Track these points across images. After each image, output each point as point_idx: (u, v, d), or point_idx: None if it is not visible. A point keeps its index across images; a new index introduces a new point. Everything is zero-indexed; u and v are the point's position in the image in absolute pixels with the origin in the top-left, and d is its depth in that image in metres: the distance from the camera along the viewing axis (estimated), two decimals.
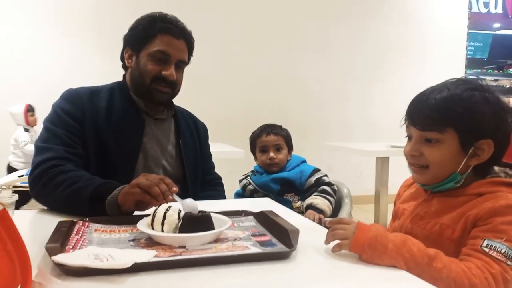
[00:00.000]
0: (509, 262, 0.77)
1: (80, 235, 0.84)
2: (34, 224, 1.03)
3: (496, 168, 0.94)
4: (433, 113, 0.89)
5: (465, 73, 4.89)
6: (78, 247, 0.77)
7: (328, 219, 1.55)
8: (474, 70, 5.22)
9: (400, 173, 1.21)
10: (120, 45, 1.41)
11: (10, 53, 3.66)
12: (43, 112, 1.30)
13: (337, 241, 0.82)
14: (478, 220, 0.84)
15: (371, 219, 3.16)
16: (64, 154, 1.18)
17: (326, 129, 4.53)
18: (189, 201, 0.96)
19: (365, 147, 2.92)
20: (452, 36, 4.90)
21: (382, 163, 2.90)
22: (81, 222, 0.92)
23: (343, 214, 1.68)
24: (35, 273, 0.60)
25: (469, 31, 4.98)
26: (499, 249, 0.78)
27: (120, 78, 1.43)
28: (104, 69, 2.94)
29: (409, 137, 0.96)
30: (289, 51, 4.40)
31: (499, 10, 5.32)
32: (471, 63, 5.03)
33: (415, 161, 0.94)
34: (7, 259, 0.55)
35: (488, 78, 5.61)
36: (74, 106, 1.27)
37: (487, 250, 0.78)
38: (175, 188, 1.00)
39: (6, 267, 0.54)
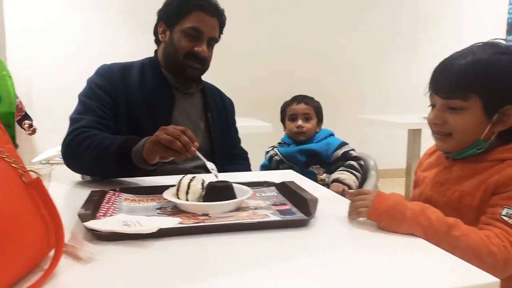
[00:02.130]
0: None
1: (110, 203, 0.89)
2: (68, 194, 1.10)
3: None
4: (457, 80, 0.87)
5: (506, 39, 4.62)
6: (109, 215, 0.82)
7: (350, 191, 1.56)
8: None
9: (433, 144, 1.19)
10: (150, 23, 1.45)
11: (44, 34, 3.77)
12: (79, 89, 1.37)
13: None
14: (499, 187, 0.82)
15: (402, 191, 3.12)
16: (93, 124, 1.24)
17: (361, 102, 4.43)
18: (211, 164, 1.00)
19: (397, 120, 2.86)
20: (492, 1, 4.63)
21: (414, 135, 2.84)
22: (112, 192, 0.97)
23: (368, 186, 1.68)
24: (68, 237, 0.66)
25: None
26: None
27: (150, 55, 1.47)
28: (135, 46, 3.00)
29: (433, 106, 0.94)
30: (320, 22, 4.29)
31: None
32: None
33: (439, 129, 0.93)
34: (42, 222, 0.59)
35: None
36: (107, 81, 1.33)
37: (506, 218, 0.77)
38: (196, 143, 1.02)
39: (40, 230, 0.59)
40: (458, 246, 0.74)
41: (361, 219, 0.83)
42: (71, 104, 1.33)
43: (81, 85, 1.36)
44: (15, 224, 0.54)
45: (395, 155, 3.98)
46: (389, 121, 2.89)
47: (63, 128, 1.27)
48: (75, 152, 1.20)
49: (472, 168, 0.90)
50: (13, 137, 0.84)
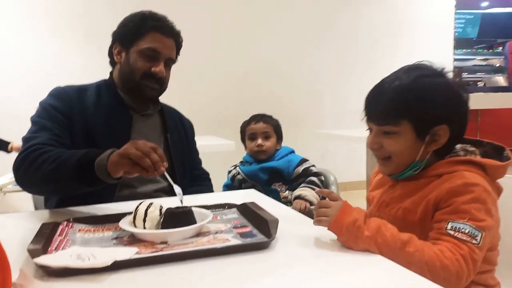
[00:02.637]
0: (474, 241, 0.79)
1: (63, 236, 0.85)
2: (18, 227, 1.03)
3: (457, 145, 0.95)
4: (386, 107, 0.90)
5: (454, 54, 4.89)
6: (61, 248, 0.78)
7: (312, 207, 1.58)
8: (464, 50, 5.21)
9: None
10: (104, 44, 1.43)
11: None
12: (29, 111, 1.31)
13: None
14: (439, 202, 0.85)
15: (363, 203, 3.19)
16: (49, 141, 1.19)
17: (321, 118, 4.53)
18: (178, 187, 0.97)
19: (355, 133, 2.93)
20: (440, 18, 4.89)
21: None
22: (65, 222, 0.93)
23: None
24: (16, 275, 0.62)
25: (457, 10, 4.97)
26: (463, 230, 0.80)
27: (104, 77, 1.45)
28: (89, 68, 2.93)
29: (370, 130, 0.97)
30: (280, 42, 4.38)
31: None
32: (460, 43, 5.02)
33: (377, 153, 0.96)
34: None
35: (478, 57, 5.62)
36: (62, 103, 1.30)
37: (452, 232, 0.80)
38: (166, 163, 0.99)
39: None
40: (412, 261, 0.76)
41: (322, 237, 0.84)
42: (25, 128, 1.28)
43: (35, 108, 1.32)
44: None
45: (356, 168, 4.07)
46: (348, 135, 2.96)
47: (14, 154, 1.21)
48: (29, 167, 1.12)
49: (412, 186, 0.93)
50: None
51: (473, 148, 0.95)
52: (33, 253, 0.71)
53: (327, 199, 0.90)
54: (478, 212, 0.82)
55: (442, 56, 4.70)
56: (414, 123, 0.89)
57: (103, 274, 0.68)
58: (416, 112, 0.88)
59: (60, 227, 0.90)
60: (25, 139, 1.22)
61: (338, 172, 2.00)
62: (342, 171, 3.56)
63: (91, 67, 2.65)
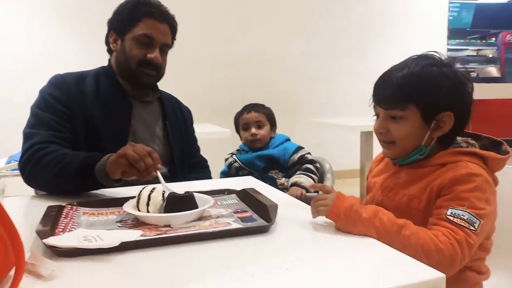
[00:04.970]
0: (471, 228, 0.82)
1: (69, 218, 0.88)
2: (24, 210, 1.06)
3: (458, 138, 0.99)
4: (395, 92, 0.93)
5: (447, 43, 4.91)
6: (68, 230, 0.81)
7: (310, 194, 1.61)
8: (457, 40, 5.22)
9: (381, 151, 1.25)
10: (98, 31, 1.43)
11: None
12: (27, 99, 1.32)
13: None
14: (442, 190, 0.89)
15: (357, 191, 3.23)
16: (50, 138, 1.21)
17: (316, 106, 4.53)
18: (171, 186, 1.00)
19: (349, 123, 2.96)
20: (434, 7, 4.90)
21: (366, 137, 2.95)
22: (70, 206, 0.95)
23: None
24: (28, 255, 0.64)
25: (451, 1, 4.98)
26: (462, 216, 0.83)
27: (97, 65, 1.46)
28: (82, 55, 2.89)
29: (377, 115, 1.00)
30: (272, 29, 4.36)
31: None
32: (453, 33, 5.05)
33: (383, 137, 0.99)
34: (0, 242, 0.58)
35: (471, 48, 5.65)
36: (62, 91, 1.31)
37: (451, 218, 0.83)
38: (160, 165, 1.06)
39: None
40: (408, 244, 0.79)
41: (320, 222, 0.87)
42: (18, 114, 1.29)
43: (30, 95, 1.32)
44: None
45: (350, 156, 4.11)
46: (342, 124, 2.98)
47: (10, 139, 1.22)
48: (33, 170, 1.17)
49: (417, 173, 0.96)
50: None
51: (473, 141, 0.98)
52: (42, 234, 0.74)
53: (320, 192, 0.93)
54: (478, 201, 0.85)
55: (436, 46, 4.72)
56: (421, 108, 0.92)
57: (110, 255, 0.71)
58: (423, 98, 0.91)
59: (65, 210, 0.92)
60: (26, 135, 1.24)
61: (332, 160, 2.03)
62: (336, 159, 3.59)
63: (84, 55, 2.60)
